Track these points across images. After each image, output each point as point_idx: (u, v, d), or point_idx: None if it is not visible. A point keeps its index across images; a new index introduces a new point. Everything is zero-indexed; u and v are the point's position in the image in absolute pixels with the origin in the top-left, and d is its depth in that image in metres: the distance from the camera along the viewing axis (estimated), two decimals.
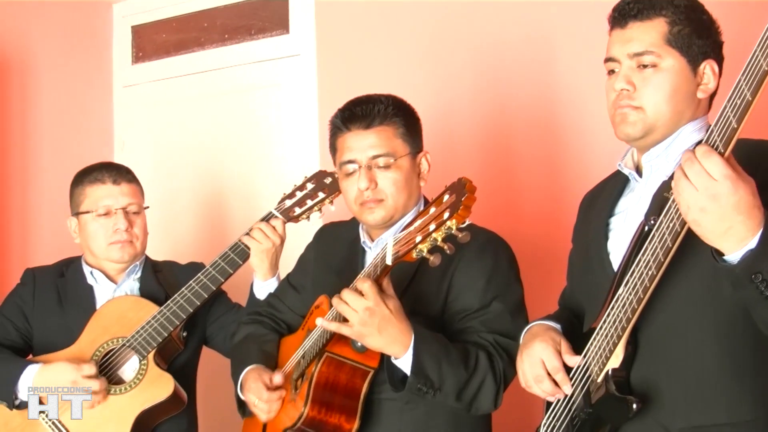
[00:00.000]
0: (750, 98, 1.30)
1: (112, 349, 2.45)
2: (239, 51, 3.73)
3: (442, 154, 2.79)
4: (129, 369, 2.45)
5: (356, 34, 3.38)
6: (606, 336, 1.62)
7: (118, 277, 2.59)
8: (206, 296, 2.48)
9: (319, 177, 2.53)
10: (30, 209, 3.63)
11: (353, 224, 2.22)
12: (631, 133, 1.68)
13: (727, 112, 1.35)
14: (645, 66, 1.66)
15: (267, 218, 2.52)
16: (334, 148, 2.14)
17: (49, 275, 2.61)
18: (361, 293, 1.83)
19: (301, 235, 2.82)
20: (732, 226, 1.36)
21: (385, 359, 1.92)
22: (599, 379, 1.62)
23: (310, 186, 2.52)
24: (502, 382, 1.94)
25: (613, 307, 1.60)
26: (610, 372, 1.60)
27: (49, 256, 2.82)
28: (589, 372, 1.66)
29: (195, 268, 2.58)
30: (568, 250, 1.97)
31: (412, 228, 1.70)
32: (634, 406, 1.56)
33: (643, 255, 1.53)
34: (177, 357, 2.53)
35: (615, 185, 1.82)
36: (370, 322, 1.83)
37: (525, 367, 1.75)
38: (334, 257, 2.24)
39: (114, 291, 2.57)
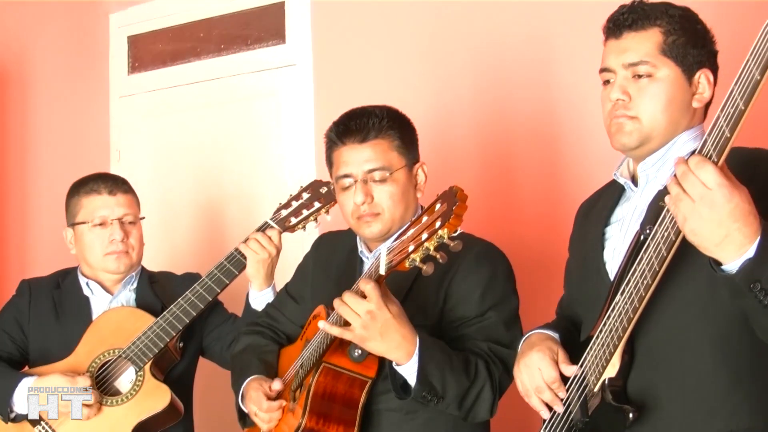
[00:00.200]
0: (743, 108, 1.31)
1: (109, 361, 2.45)
2: (236, 61, 3.74)
3: (440, 161, 2.80)
4: (125, 380, 2.44)
5: (352, 44, 3.39)
6: (602, 345, 1.62)
7: (114, 288, 2.59)
8: (202, 307, 2.48)
9: (315, 186, 2.53)
10: (27, 220, 3.63)
11: (351, 234, 2.22)
12: (627, 143, 1.68)
13: (721, 121, 1.35)
14: (640, 76, 1.66)
15: (263, 228, 2.51)
16: (330, 162, 2.14)
17: (45, 286, 2.60)
18: (363, 295, 1.81)
19: (297, 245, 2.82)
20: (729, 234, 1.36)
21: (387, 364, 1.90)
22: (596, 389, 1.62)
23: (306, 196, 2.52)
24: (498, 391, 1.94)
25: (609, 317, 1.60)
26: (606, 381, 1.60)
27: (46, 267, 2.82)
28: (586, 381, 1.65)
29: (191, 278, 2.59)
30: (567, 255, 1.97)
31: (404, 237, 1.70)
32: (631, 415, 1.55)
33: (638, 264, 1.53)
34: (174, 368, 2.53)
35: (611, 194, 1.82)
36: (372, 326, 1.80)
37: (523, 377, 1.75)
38: (333, 267, 2.23)
39: (110, 302, 2.57)
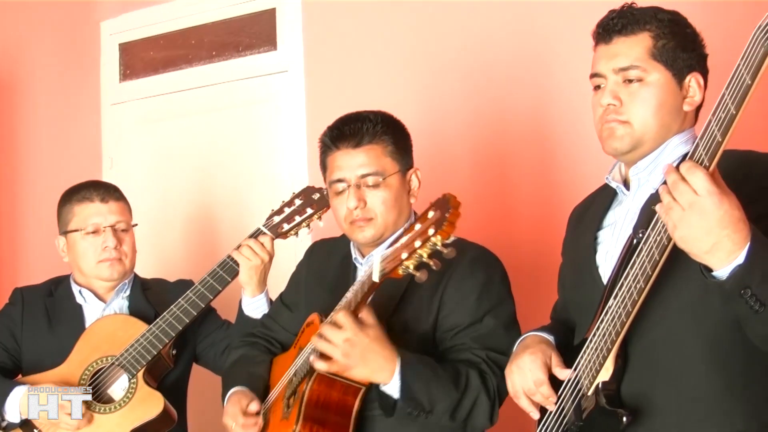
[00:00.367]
0: (734, 112, 1.31)
1: (102, 368, 2.44)
2: (227, 68, 3.74)
3: (433, 165, 2.80)
4: (118, 388, 2.44)
5: (344, 50, 3.39)
6: (596, 349, 1.62)
7: (107, 296, 2.58)
8: (195, 314, 2.48)
9: (307, 193, 2.53)
10: (19, 228, 3.62)
11: (344, 240, 2.22)
12: (619, 148, 1.69)
13: (712, 125, 1.35)
14: (631, 81, 1.67)
15: (255, 235, 2.51)
16: (324, 166, 2.15)
17: (38, 295, 2.60)
18: (338, 326, 1.84)
19: (290, 252, 2.82)
20: (718, 241, 1.36)
21: (374, 387, 1.92)
22: (590, 393, 1.62)
23: (298, 202, 2.51)
24: (496, 399, 1.94)
25: (603, 320, 1.60)
26: (600, 385, 1.60)
27: (38, 275, 2.81)
28: (579, 385, 1.65)
29: (184, 285, 2.58)
30: (560, 259, 1.97)
31: (398, 245, 1.71)
32: (625, 419, 1.55)
33: (631, 268, 1.54)
34: (167, 375, 2.52)
35: (603, 198, 1.83)
36: (353, 353, 1.84)
37: (514, 378, 1.76)
38: (326, 274, 2.23)
39: (103, 310, 2.57)
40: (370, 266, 1.81)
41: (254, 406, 2.10)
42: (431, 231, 1.62)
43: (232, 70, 3.72)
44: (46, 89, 3.80)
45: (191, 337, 2.60)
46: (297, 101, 3.51)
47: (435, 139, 3.06)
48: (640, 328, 1.58)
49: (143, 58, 3.98)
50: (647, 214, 1.53)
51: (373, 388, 1.93)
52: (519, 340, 1.87)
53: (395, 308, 1.99)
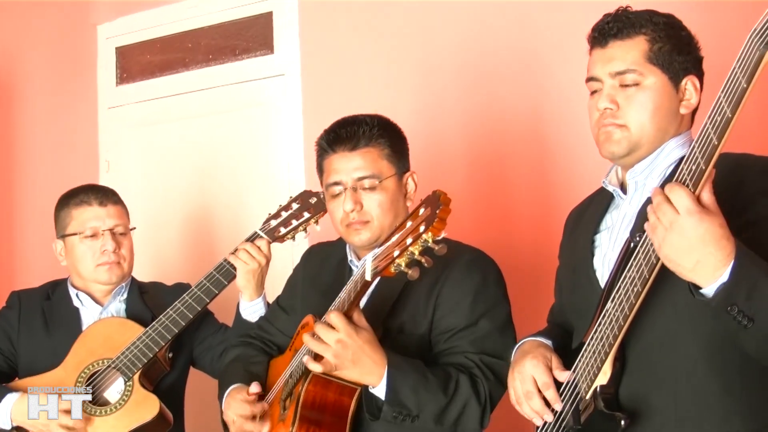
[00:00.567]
0: (730, 115, 1.32)
1: (98, 371, 2.44)
2: (224, 71, 3.74)
3: (430, 168, 2.80)
4: (114, 390, 2.44)
5: (340, 54, 3.39)
6: (594, 353, 1.62)
7: (105, 299, 2.58)
8: (192, 317, 2.48)
9: (304, 197, 2.53)
10: (15, 231, 3.62)
11: (340, 244, 2.22)
12: (616, 152, 1.69)
13: (708, 129, 1.36)
14: (627, 85, 1.67)
15: (252, 238, 2.51)
16: (320, 169, 2.15)
17: (35, 298, 2.60)
18: (331, 327, 1.85)
19: (287, 255, 2.82)
20: (701, 259, 1.37)
21: (362, 390, 1.92)
22: (588, 396, 1.62)
23: (295, 206, 2.52)
24: (488, 403, 1.95)
25: (600, 324, 1.60)
26: (598, 389, 1.60)
27: (35, 279, 2.81)
28: (577, 389, 1.65)
29: (181, 288, 2.58)
30: (557, 261, 1.97)
31: (389, 243, 1.71)
32: (623, 422, 1.55)
33: (628, 271, 1.54)
34: (164, 378, 2.52)
35: (600, 202, 1.83)
36: (344, 354, 1.85)
37: (516, 384, 1.75)
38: (322, 277, 2.24)
39: (100, 313, 2.56)
40: (362, 266, 1.82)
41: (254, 388, 2.10)
42: (422, 227, 1.62)
43: (229, 74, 3.72)
44: (43, 93, 3.80)
45: (188, 340, 2.60)
46: (294, 105, 3.52)
47: (431, 141, 3.06)
48: (637, 331, 1.58)
49: (140, 62, 3.98)
50: (644, 218, 1.53)
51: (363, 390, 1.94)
52: (517, 346, 1.87)
53: (391, 310, 2.00)
